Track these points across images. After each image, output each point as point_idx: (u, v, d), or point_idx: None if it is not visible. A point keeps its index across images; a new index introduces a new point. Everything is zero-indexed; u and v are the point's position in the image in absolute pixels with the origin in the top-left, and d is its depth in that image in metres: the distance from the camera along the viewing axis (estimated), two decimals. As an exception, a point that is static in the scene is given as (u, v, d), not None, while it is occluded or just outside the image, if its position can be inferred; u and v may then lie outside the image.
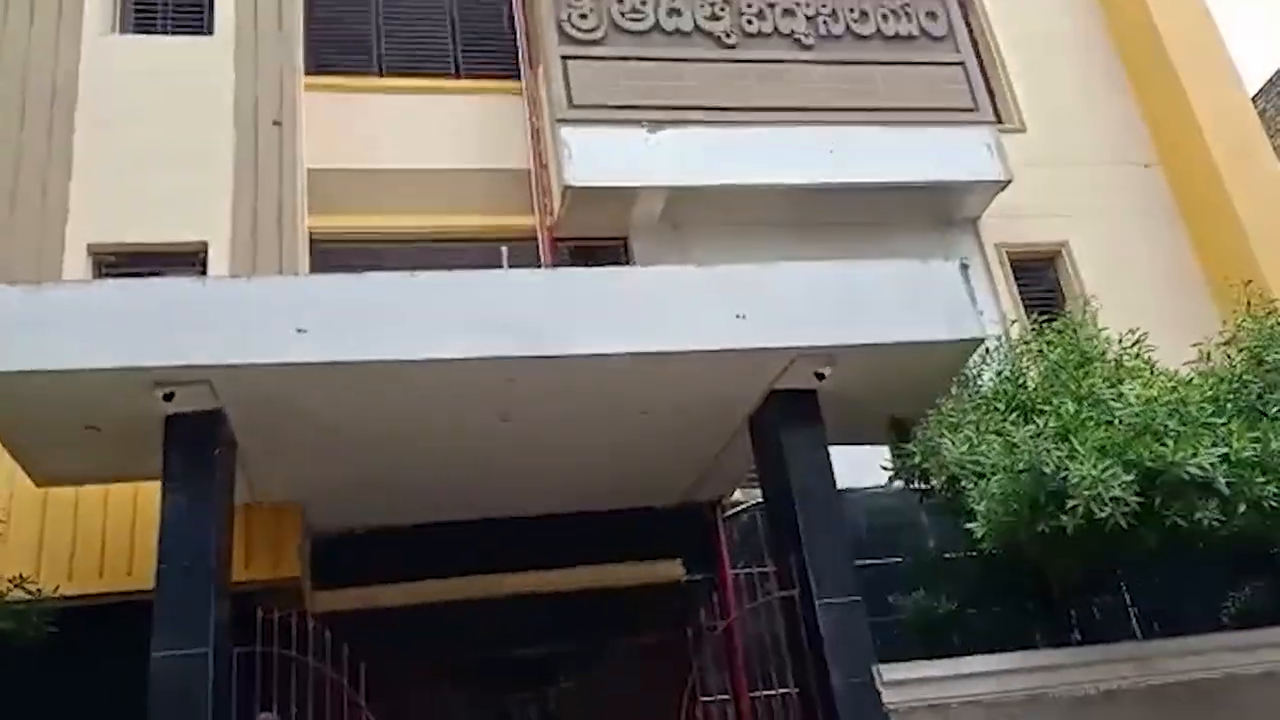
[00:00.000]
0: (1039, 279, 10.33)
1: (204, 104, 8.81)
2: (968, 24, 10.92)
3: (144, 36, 9.29)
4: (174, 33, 9.37)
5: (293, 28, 9.38)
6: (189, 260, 8.29)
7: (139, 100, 8.71)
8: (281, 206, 8.54)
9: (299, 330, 5.58)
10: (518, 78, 10.17)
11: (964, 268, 6.51)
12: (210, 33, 9.21)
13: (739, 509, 8.39)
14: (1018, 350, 6.62)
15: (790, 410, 6.35)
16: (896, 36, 10.22)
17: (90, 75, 8.74)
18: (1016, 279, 10.06)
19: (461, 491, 7.27)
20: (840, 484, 6.26)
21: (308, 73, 9.51)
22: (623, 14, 9.80)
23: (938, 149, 9.68)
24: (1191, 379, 5.94)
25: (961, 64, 10.21)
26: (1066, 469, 5.16)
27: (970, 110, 9.98)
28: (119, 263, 8.15)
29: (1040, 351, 6.47)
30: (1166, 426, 5.27)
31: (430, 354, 5.71)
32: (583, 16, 9.70)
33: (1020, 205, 10.00)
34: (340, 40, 10.07)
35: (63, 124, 8.46)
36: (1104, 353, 6.33)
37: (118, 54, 9.00)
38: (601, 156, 9.21)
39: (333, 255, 8.96)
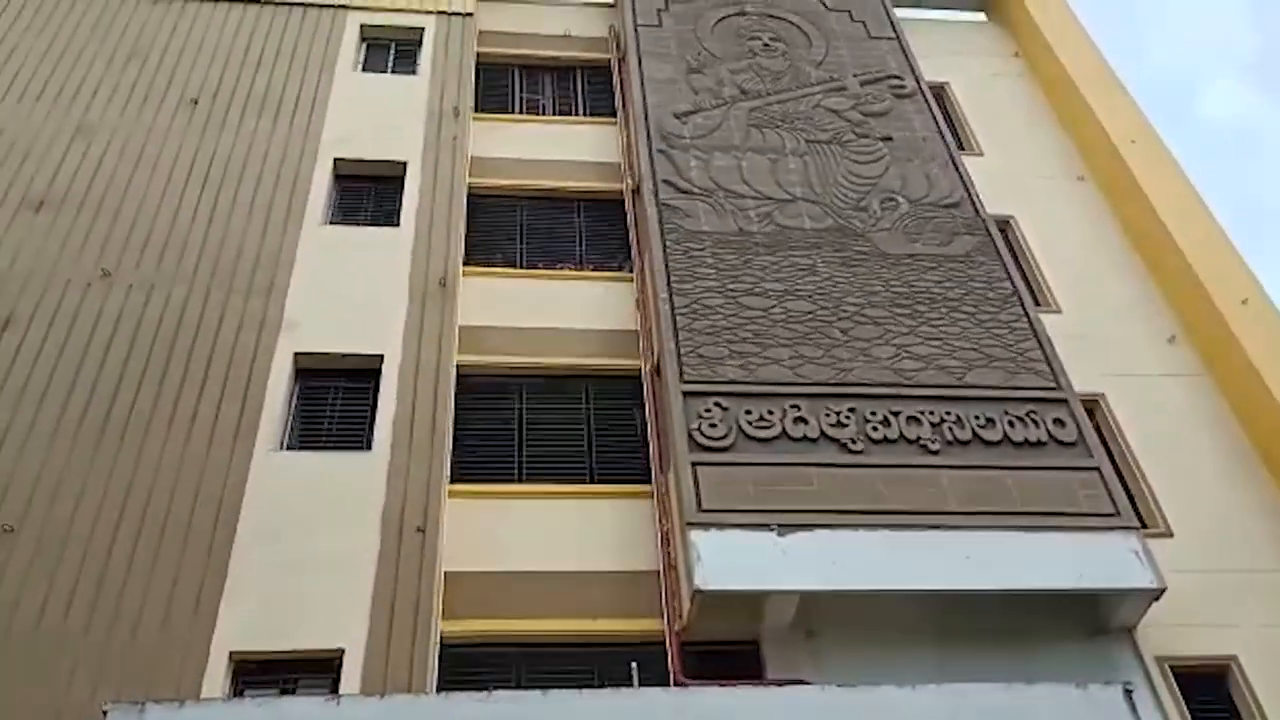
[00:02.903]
0: (1209, 695, 9.48)
1: (354, 513, 9.35)
2: (1097, 428, 10.98)
3: (308, 453, 10.09)
4: (335, 449, 10.16)
5: (443, 441, 10.08)
6: (326, 666, 8.41)
7: (295, 511, 9.32)
8: (418, 612, 8.73)
9: (426, 755, 5.47)
10: (648, 481, 10.48)
11: (1128, 693, 6.09)
12: (369, 448, 9.95)
13: None
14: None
15: None
16: (1025, 443, 10.27)
17: (254, 489, 9.45)
18: (1184, 696, 9.25)
19: None
20: None
21: (452, 481, 10.06)
22: (750, 423, 10.17)
23: (1081, 555, 9.35)
24: None
25: (1096, 469, 10.12)
26: None
27: (1112, 515, 9.73)
28: (259, 670, 8.32)
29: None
30: None
31: (557, 784, 5.48)
32: (712, 425, 10.10)
33: (1179, 614, 9.42)
34: (485, 451, 10.66)
35: (224, 538, 9.04)
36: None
37: (282, 468, 9.72)
38: (731, 560, 9.16)
39: (463, 660, 8.98)
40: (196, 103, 13.22)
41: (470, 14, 15.35)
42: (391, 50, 14.91)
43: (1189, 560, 10.01)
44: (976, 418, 10.41)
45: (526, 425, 10.98)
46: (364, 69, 14.55)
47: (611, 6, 16.61)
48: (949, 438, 10.25)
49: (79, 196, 11.88)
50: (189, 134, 12.82)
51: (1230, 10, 46.91)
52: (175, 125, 12.92)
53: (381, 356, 10.70)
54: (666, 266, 11.59)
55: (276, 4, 14.94)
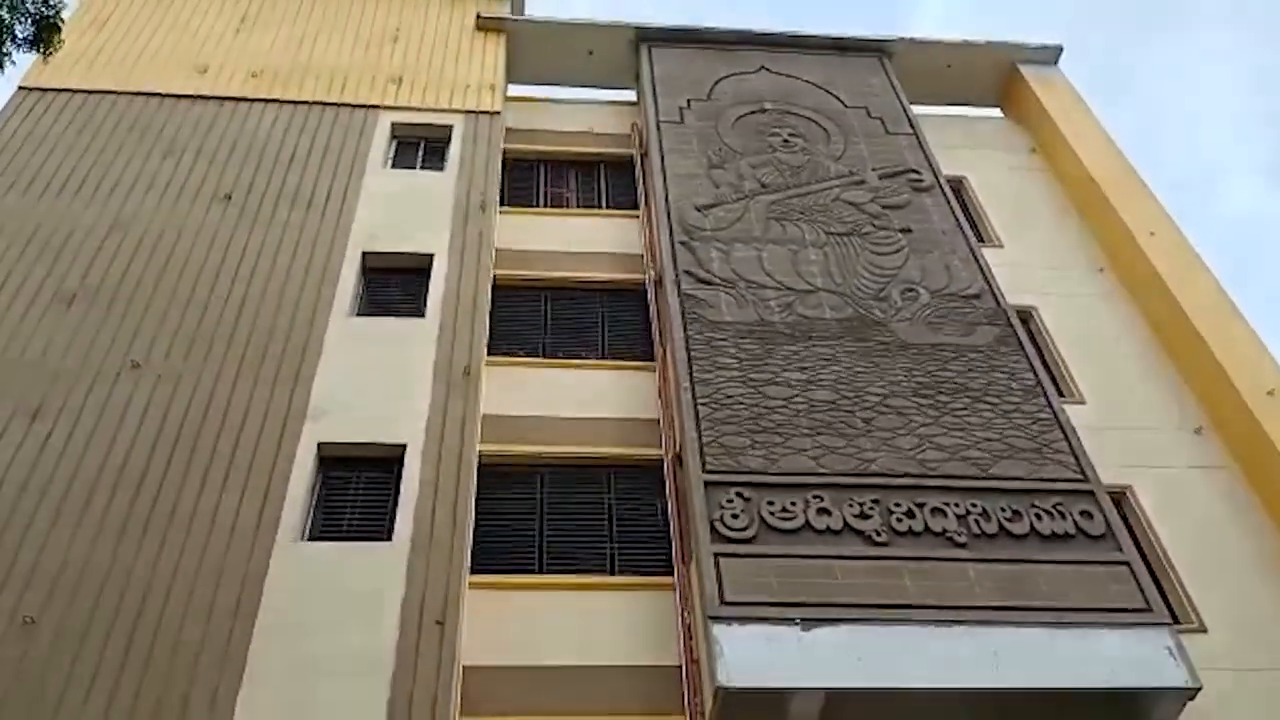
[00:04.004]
0: (1253, 800, 9.18)
1: (374, 605, 9.27)
2: (1125, 520, 10.82)
3: (329, 543, 10.04)
4: (355, 538, 10.12)
5: (464, 531, 10.04)
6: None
7: (315, 604, 9.26)
8: (435, 708, 8.59)
9: None
10: (670, 572, 10.37)
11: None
12: (390, 539, 9.91)
13: None
14: None
15: None
16: (1053, 535, 10.12)
17: (275, 580, 9.41)
18: (1226, 802, 8.96)
19: None
20: None
21: (472, 571, 10.00)
22: (773, 514, 10.09)
23: (1113, 653, 9.13)
24: None
25: (1126, 563, 9.94)
26: None
27: (1144, 611, 9.53)
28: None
29: None
30: None
31: None
32: (734, 516, 10.03)
33: (1215, 713, 9.16)
34: (506, 541, 10.61)
35: (243, 632, 8.98)
36: None
37: (303, 559, 9.69)
38: (754, 655, 9.01)
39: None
40: (229, 198, 13.57)
41: (498, 112, 15.80)
42: (421, 147, 15.32)
43: (1224, 657, 9.79)
44: (1003, 510, 10.30)
45: (547, 515, 10.95)
46: (394, 165, 14.93)
47: (634, 104, 17.07)
48: (975, 530, 10.12)
49: (111, 289, 12.14)
50: (221, 228, 13.12)
51: (1245, 104, 47.52)
52: (208, 220, 13.24)
53: (404, 446, 10.74)
54: (688, 356, 11.66)
55: (310, 103, 15.44)
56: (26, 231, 12.80)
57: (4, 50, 10.27)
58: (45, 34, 10.46)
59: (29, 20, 10.35)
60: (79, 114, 14.84)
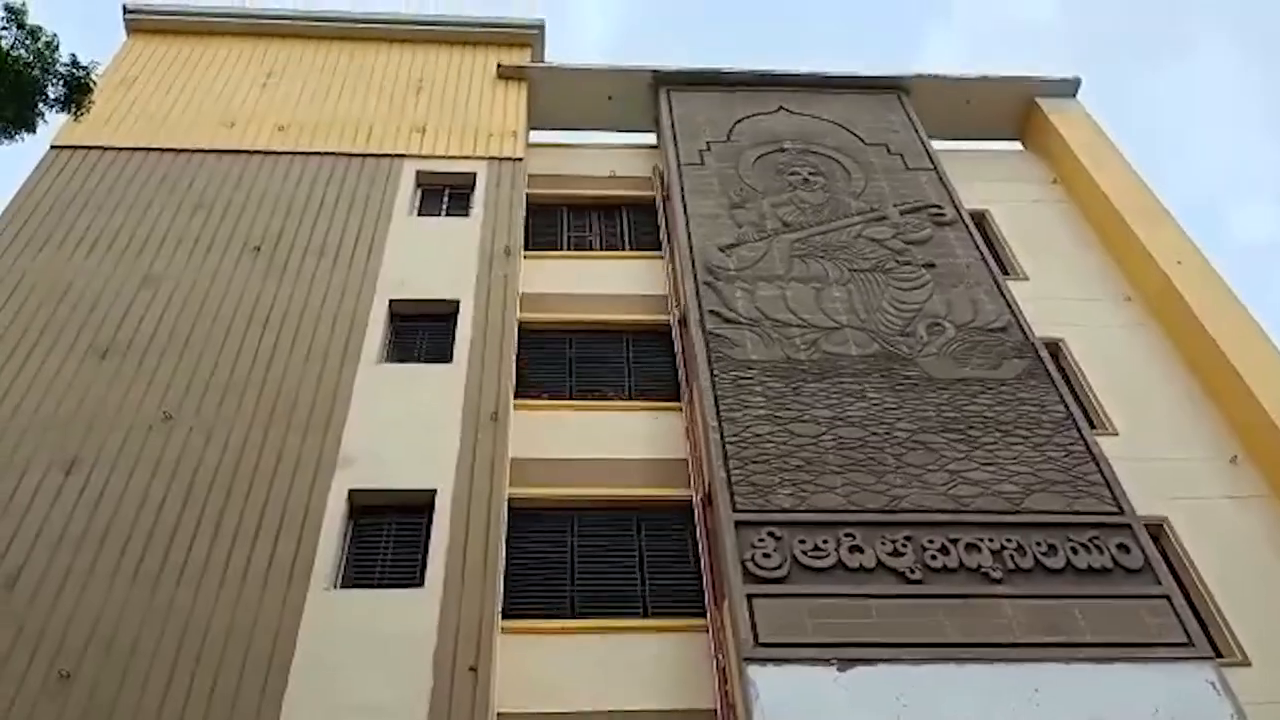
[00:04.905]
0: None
1: (407, 653, 9.27)
2: (1162, 553, 10.67)
3: (361, 591, 10.07)
4: (387, 585, 10.16)
5: (495, 576, 10.05)
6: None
7: (348, 653, 9.27)
8: (470, 757, 8.56)
9: None
10: (703, 614, 10.31)
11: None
12: (422, 585, 9.93)
13: None
14: None
15: None
16: (1090, 569, 9.99)
17: (308, 630, 9.43)
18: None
19: None
20: None
21: (504, 616, 9.97)
22: (805, 553, 10.02)
23: (1156, 688, 8.97)
24: None
25: (1166, 596, 9.81)
26: None
27: (1185, 645, 9.38)
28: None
29: None
30: None
31: None
32: (766, 556, 9.97)
33: (1264, 748, 9.00)
34: (537, 585, 10.59)
35: (277, 683, 8.99)
36: None
37: (335, 608, 9.72)
38: (791, 698, 8.93)
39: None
40: (259, 250, 13.75)
41: (520, 159, 15.97)
42: (445, 195, 15.49)
43: (1270, 690, 9.60)
44: (1038, 544, 10.18)
45: (578, 558, 10.92)
46: (419, 213, 15.11)
47: (655, 148, 17.22)
48: (1011, 565, 10.01)
49: (144, 342, 12.29)
50: (250, 280, 13.29)
51: (1253, 131, 47.36)
52: (238, 272, 13.41)
53: (434, 491, 10.78)
54: (715, 395, 11.66)
55: (336, 154, 15.66)
56: (60, 287, 13.01)
57: (37, 110, 10.52)
58: (76, 95, 10.69)
59: (60, 82, 10.60)
60: (110, 170, 15.10)
